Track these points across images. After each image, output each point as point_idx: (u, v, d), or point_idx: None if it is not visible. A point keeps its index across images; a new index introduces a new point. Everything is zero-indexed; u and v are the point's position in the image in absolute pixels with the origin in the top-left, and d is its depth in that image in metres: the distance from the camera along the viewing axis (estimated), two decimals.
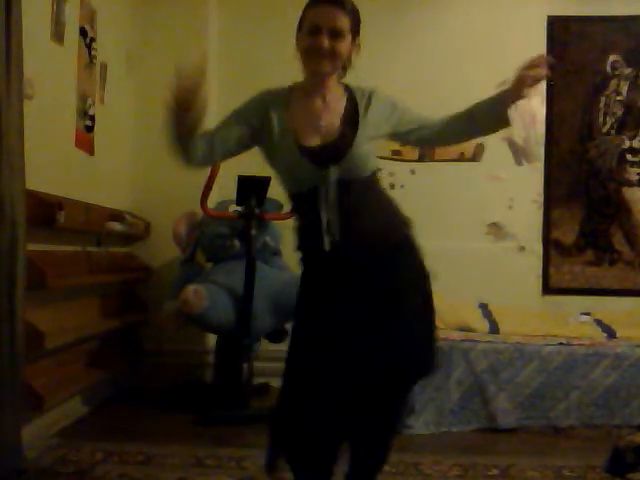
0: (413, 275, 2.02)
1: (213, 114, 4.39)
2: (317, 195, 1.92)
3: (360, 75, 2.10)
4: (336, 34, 1.92)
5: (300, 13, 2.02)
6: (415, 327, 1.99)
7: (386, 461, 2.18)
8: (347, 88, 2.05)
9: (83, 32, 3.55)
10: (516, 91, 1.96)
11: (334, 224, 1.91)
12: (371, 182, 2.03)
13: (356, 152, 1.94)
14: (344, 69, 2.05)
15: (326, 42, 1.91)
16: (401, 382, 2.05)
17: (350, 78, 2.09)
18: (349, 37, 1.96)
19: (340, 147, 1.94)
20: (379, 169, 2.08)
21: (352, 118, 1.98)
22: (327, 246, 1.91)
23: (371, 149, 2.00)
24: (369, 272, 1.96)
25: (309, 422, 1.95)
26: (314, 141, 1.96)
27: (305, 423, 1.96)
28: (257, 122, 2.01)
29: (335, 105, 2.00)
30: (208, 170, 3.60)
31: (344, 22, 1.92)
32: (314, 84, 2.00)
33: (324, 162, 1.92)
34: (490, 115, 2.05)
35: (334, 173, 1.91)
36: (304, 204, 1.99)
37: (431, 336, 2.06)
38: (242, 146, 2.08)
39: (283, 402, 2.02)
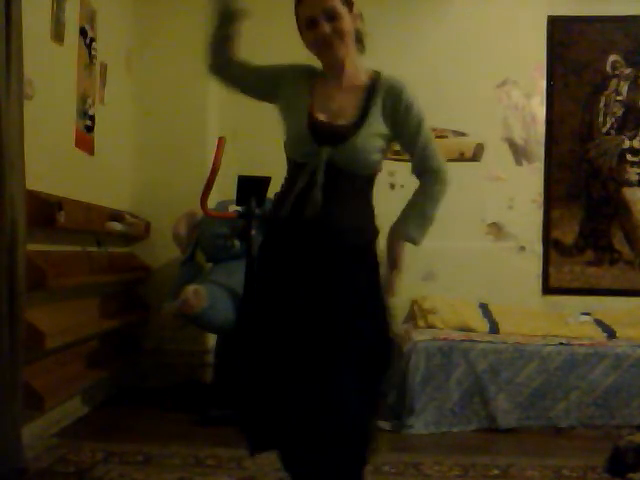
0: (364, 278, 1.95)
1: (213, 113, 4.42)
2: (304, 169, 1.90)
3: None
4: (333, 16, 1.89)
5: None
6: (368, 326, 1.92)
7: None
8: (375, 75, 1.99)
9: (83, 32, 3.55)
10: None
11: (311, 202, 1.87)
12: (360, 184, 1.95)
13: (356, 144, 1.89)
14: (360, 42, 2.01)
15: (327, 28, 1.89)
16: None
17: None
18: (346, 12, 1.91)
19: (342, 132, 1.90)
20: (375, 174, 2.00)
21: (365, 108, 1.94)
22: (284, 212, 1.90)
23: (376, 146, 1.93)
24: (322, 263, 1.90)
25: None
26: (322, 118, 1.93)
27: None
28: (282, 80, 2.02)
29: (352, 90, 1.96)
30: (208, 170, 3.60)
31: (335, 1, 1.89)
32: (332, 71, 1.97)
33: (322, 140, 1.89)
34: None
35: (325, 154, 1.88)
36: (293, 174, 1.96)
37: (385, 335, 1.99)
38: (257, 88, 2.10)
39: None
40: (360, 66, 2.01)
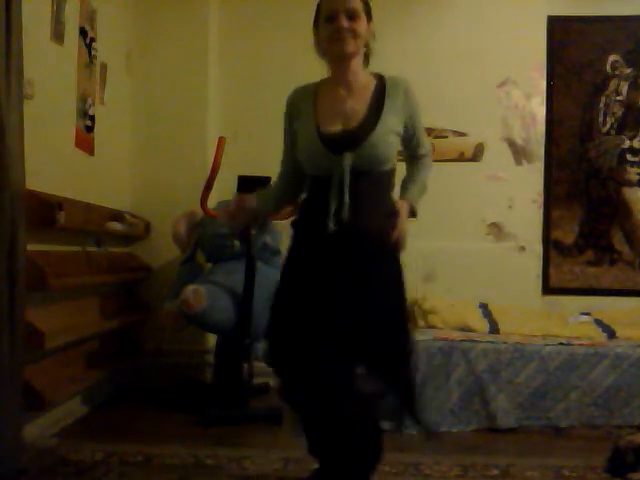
0: (392, 282, 2.08)
1: (213, 113, 4.42)
2: (330, 182, 1.95)
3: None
4: (352, 15, 2.00)
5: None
6: (385, 333, 2.04)
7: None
8: (379, 77, 2.09)
9: (83, 32, 3.55)
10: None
11: (343, 211, 1.94)
12: (384, 179, 2.05)
13: (375, 141, 1.96)
14: (366, 57, 2.11)
15: (345, 22, 1.98)
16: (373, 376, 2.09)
17: None
18: (364, 18, 2.02)
19: (359, 133, 1.97)
20: (394, 168, 2.10)
21: (378, 106, 2.01)
22: (331, 228, 1.94)
23: (392, 142, 2.02)
24: (355, 266, 2.00)
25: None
26: (335, 127, 1.99)
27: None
28: (293, 124, 2.11)
29: (361, 92, 2.04)
30: (208, 170, 3.61)
31: (358, 4, 2.01)
32: (339, 71, 2.05)
33: (340, 148, 1.95)
34: None
35: (348, 160, 1.94)
36: (317, 188, 2.03)
37: (404, 343, 2.12)
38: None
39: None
40: (365, 72, 2.10)
